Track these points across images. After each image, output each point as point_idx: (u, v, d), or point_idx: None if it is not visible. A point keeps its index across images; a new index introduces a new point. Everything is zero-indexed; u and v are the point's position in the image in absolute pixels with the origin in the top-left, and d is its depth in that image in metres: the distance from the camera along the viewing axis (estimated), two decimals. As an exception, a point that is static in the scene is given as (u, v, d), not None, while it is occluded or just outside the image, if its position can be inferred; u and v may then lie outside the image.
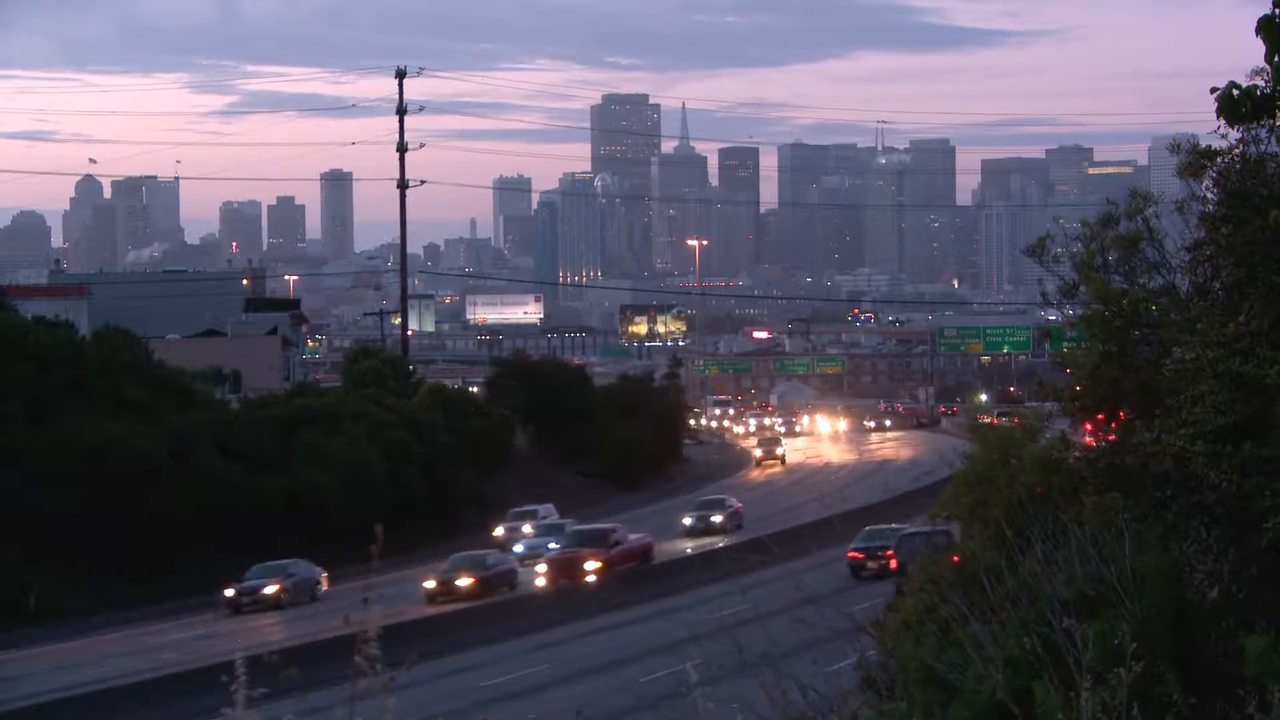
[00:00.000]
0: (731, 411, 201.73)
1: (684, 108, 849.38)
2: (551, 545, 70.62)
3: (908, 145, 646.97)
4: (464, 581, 61.83)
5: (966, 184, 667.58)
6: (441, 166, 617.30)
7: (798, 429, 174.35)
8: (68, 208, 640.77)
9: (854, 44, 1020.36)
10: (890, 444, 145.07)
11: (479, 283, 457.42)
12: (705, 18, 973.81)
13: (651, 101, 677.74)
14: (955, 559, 24.71)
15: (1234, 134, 16.18)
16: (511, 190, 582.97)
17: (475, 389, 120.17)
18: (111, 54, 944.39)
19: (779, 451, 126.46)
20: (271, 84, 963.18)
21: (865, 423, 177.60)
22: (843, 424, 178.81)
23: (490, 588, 62.12)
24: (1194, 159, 18.83)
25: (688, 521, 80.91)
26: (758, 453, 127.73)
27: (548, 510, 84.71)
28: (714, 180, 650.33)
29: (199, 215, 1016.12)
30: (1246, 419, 14.94)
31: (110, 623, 62.98)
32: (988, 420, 43.15)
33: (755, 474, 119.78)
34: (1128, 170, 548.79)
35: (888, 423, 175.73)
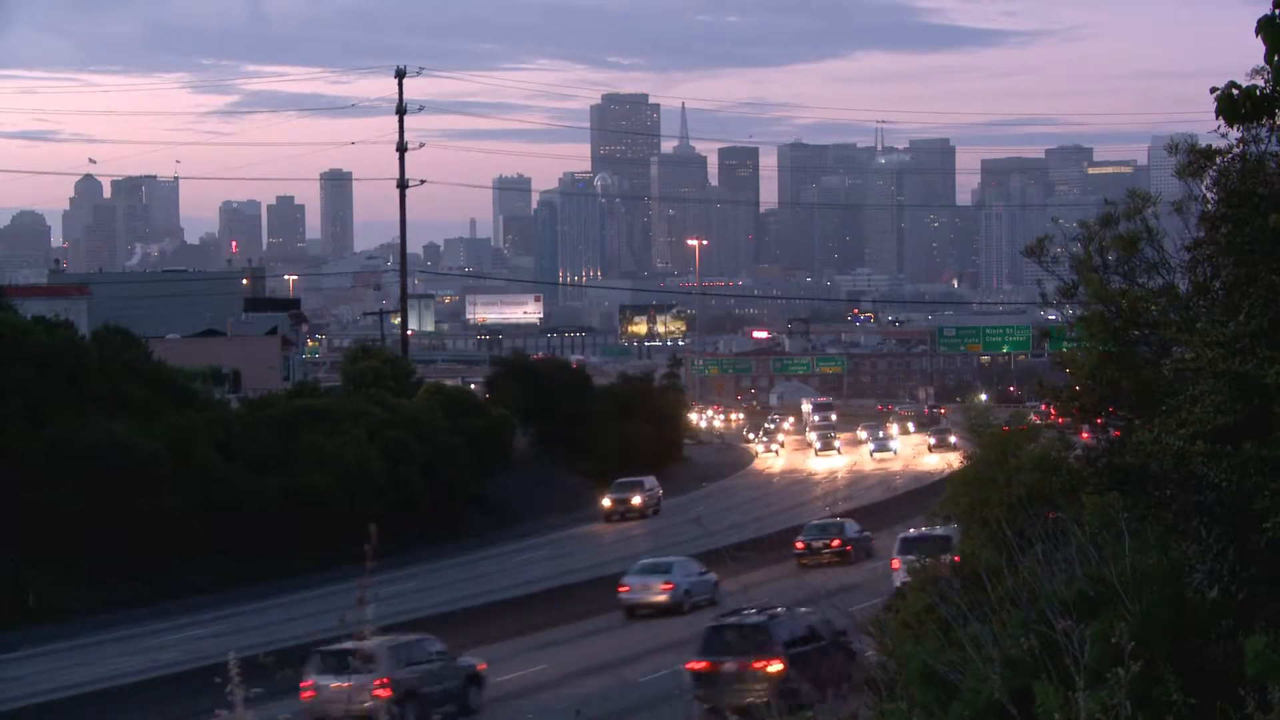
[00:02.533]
0: (833, 418, 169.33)
1: (683, 108, 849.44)
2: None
3: (908, 145, 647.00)
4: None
5: (966, 184, 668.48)
6: (441, 166, 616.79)
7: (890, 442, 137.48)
8: (68, 208, 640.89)
9: (854, 44, 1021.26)
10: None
11: (479, 282, 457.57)
12: (706, 18, 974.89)
13: (651, 101, 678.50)
14: None
15: (1234, 133, 16.16)
16: (511, 190, 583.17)
17: (475, 389, 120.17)
18: (113, 54, 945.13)
19: (636, 501, 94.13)
20: (272, 84, 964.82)
21: (928, 440, 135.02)
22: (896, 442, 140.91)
23: None
24: (1194, 159, 18.82)
25: None
26: (606, 503, 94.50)
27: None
28: (714, 180, 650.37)
29: (199, 215, 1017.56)
30: (1246, 418, 14.92)
31: (110, 623, 62.94)
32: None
33: (600, 528, 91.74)
34: (1127, 170, 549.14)
35: (953, 439, 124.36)
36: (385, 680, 36.42)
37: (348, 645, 34.25)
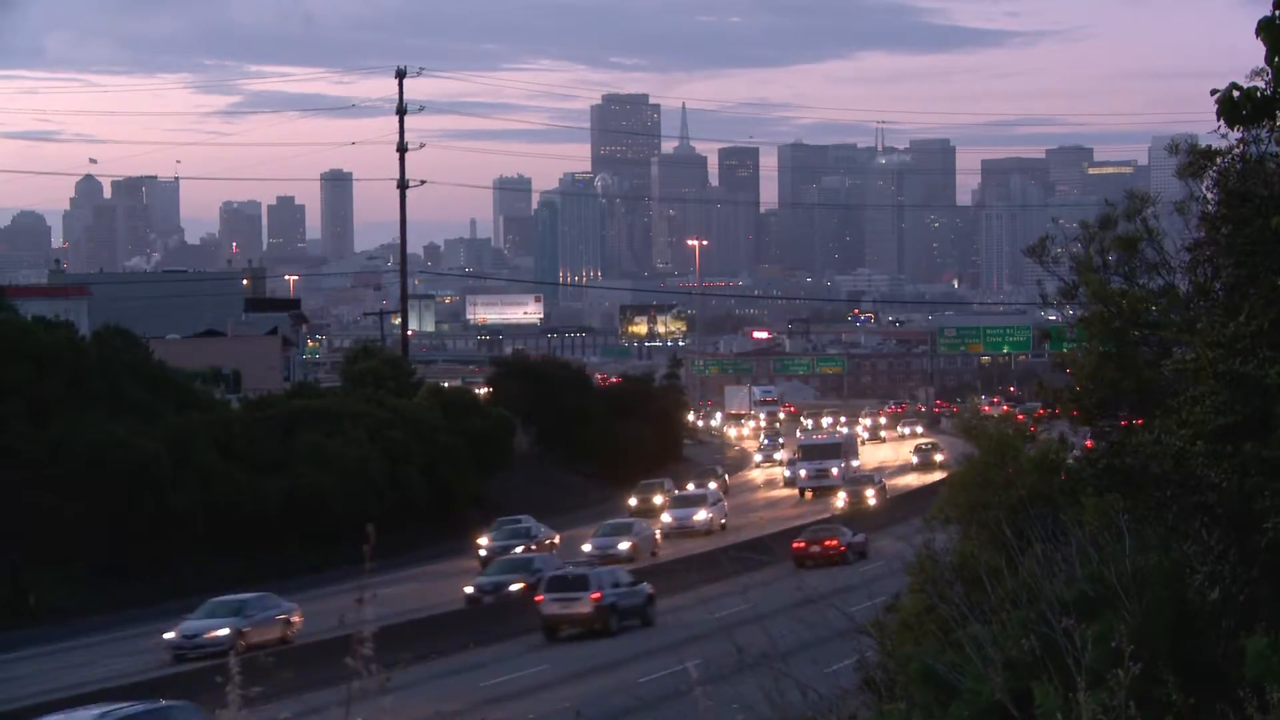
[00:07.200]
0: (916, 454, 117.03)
1: (684, 108, 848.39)
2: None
3: (908, 145, 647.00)
4: None
5: (966, 184, 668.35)
6: (441, 166, 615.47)
7: None
8: (68, 208, 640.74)
9: (855, 44, 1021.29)
10: None
11: (479, 283, 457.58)
12: (708, 18, 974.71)
13: (652, 101, 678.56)
14: None
15: (1234, 134, 16.14)
16: (511, 190, 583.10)
17: (475, 389, 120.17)
18: (116, 54, 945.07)
19: None
20: (273, 84, 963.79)
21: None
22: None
23: None
24: (1194, 159, 18.80)
25: None
26: None
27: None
28: (714, 180, 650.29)
29: (199, 215, 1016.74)
30: (1247, 419, 14.91)
31: (110, 623, 62.90)
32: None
33: None
34: (1128, 170, 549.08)
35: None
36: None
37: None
